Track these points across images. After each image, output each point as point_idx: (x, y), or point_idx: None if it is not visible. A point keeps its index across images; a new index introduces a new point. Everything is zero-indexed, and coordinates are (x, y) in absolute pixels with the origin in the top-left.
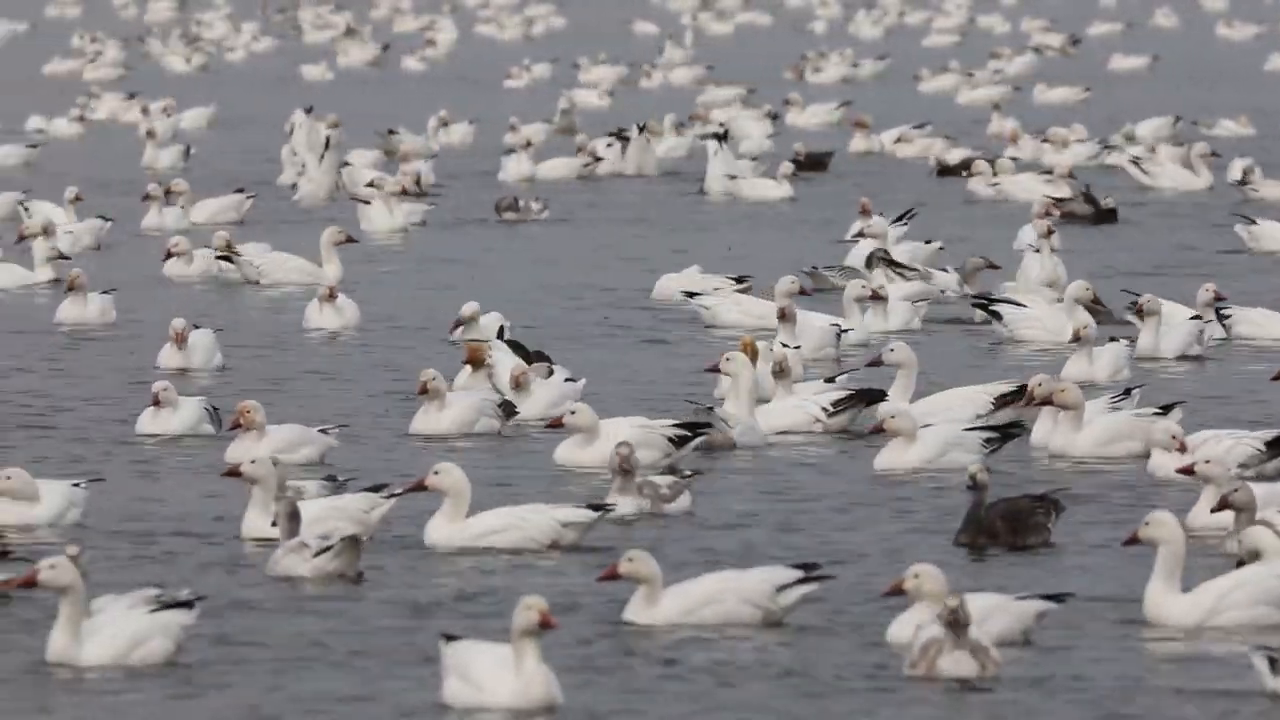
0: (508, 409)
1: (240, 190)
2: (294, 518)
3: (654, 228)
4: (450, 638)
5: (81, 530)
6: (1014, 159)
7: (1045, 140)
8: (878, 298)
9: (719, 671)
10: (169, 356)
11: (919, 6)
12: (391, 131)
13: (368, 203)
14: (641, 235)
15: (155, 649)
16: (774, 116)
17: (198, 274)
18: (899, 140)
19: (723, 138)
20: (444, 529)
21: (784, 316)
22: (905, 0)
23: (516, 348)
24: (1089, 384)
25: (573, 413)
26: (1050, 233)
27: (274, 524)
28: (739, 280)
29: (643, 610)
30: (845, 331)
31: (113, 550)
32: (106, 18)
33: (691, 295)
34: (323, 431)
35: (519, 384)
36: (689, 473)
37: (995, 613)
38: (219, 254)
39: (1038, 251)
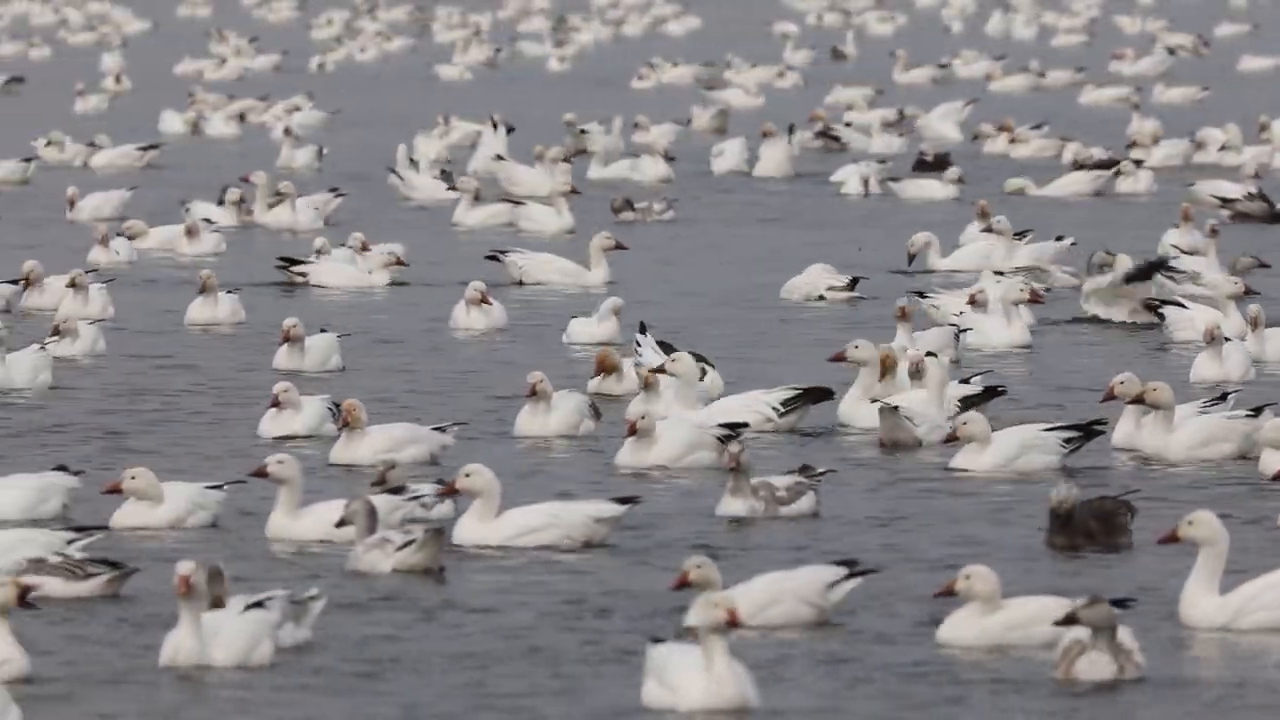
0: (596, 411)
1: (334, 189)
2: (372, 515)
3: (792, 227)
4: (656, 640)
5: (212, 532)
6: (1138, 161)
7: (1197, 143)
8: (1036, 300)
9: (907, 672)
10: (285, 358)
11: (1049, 6)
12: (582, 131)
13: (520, 203)
14: (785, 234)
15: (266, 650)
16: (902, 116)
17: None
18: (1014, 140)
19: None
20: (476, 529)
21: (902, 316)
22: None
23: (666, 349)
24: (1221, 383)
25: (643, 417)
26: (1214, 233)
27: (342, 523)
28: (853, 283)
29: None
30: (964, 332)
31: (246, 551)
32: (236, 17)
33: (922, 296)
34: (438, 430)
35: (648, 384)
36: (821, 471)
37: (1050, 615)
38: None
39: (1181, 255)
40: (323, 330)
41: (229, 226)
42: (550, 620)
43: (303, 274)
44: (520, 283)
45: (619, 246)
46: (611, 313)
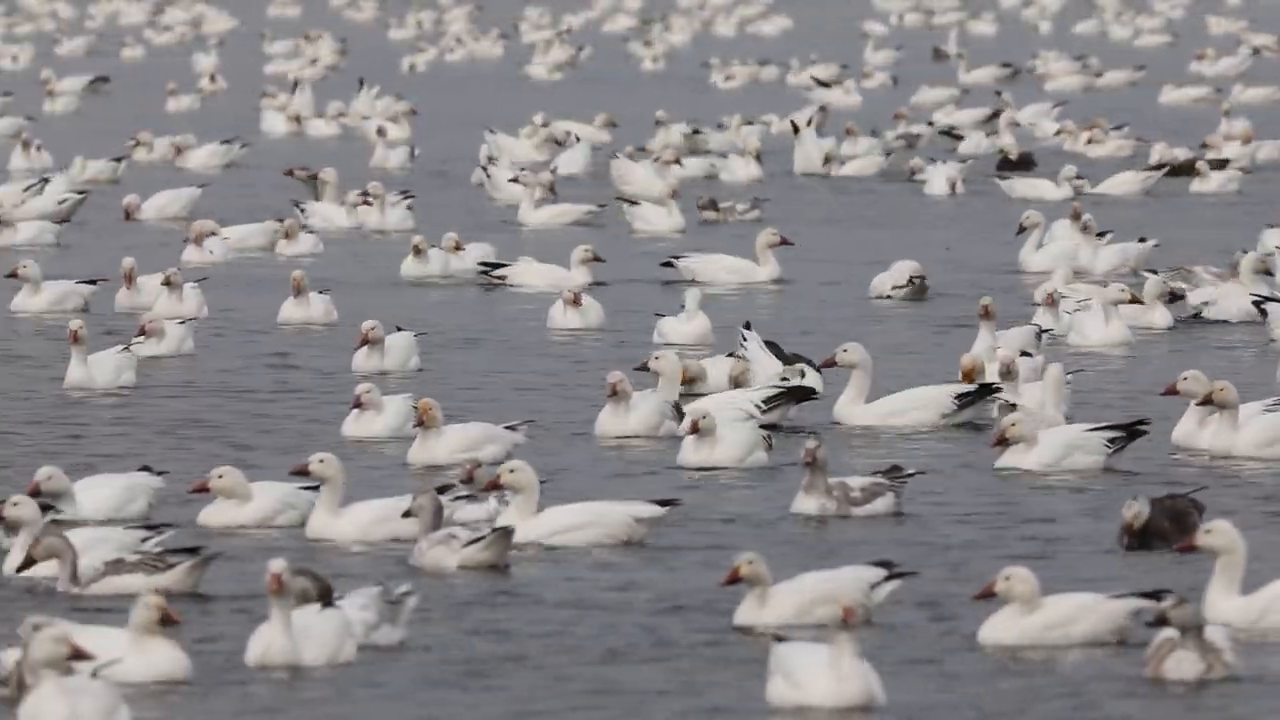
0: (679, 411)
1: (404, 193)
2: (438, 511)
3: (878, 227)
4: (779, 639)
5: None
6: (1218, 161)
7: None
8: (1136, 301)
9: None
10: (363, 359)
11: (1132, 7)
12: (696, 131)
13: (635, 203)
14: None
15: (350, 649)
16: (995, 114)
17: (438, 272)
18: (1090, 141)
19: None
20: (516, 526)
21: (986, 315)
22: (1123, 1)
23: (775, 349)
24: None
25: (704, 416)
26: None
27: (407, 514)
28: (914, 280)
29: (755, 612)
30: (1045, 332)
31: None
32: (325, 17)
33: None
34: (510, 428)
35: (738, 384)
36: (909, 473)
37: (1085, 613)
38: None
39: None
40: (399, 329)
41: (326, 227)
42: (642, 617)
43: (501, 277)
44: (693, 281)
45: (785, 242)
46: (699, 308)
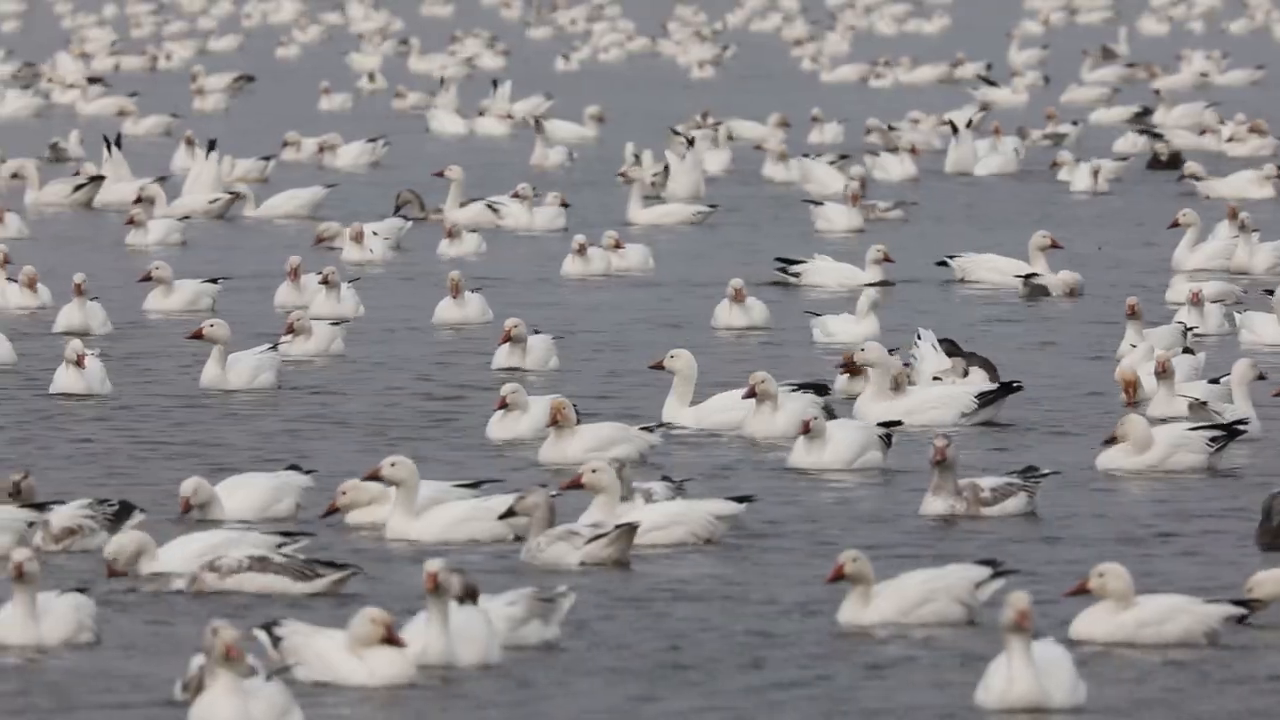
0: (830, 413)
1: (559, 198)
2: (552, 509)
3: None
4: None
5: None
6: None
7: None
8: None
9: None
10: (505, 357)
11: None
12: (891, 128)
13: (819, 203)
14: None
15: (496, 648)
16: (1147, 111)
17: (599, 270)
18: (1231, 139)
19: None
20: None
21: (1133, 314)
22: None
23: (952, 346)
24: None
25: (816, 418)
26: None
27: (507, 515)
28: (1028, 279)
29: (858, 611)
30: (1190, 330)
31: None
32: (479, 15)
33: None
34: (645, 430)
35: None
36: (1045, 472)
37: (1177, 614)
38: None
39: None
40: (535, 331)
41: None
42: (790, 615)
43: (796, 274)
44: (962, 280)
45: (1054, 246)
46: (870, 309)
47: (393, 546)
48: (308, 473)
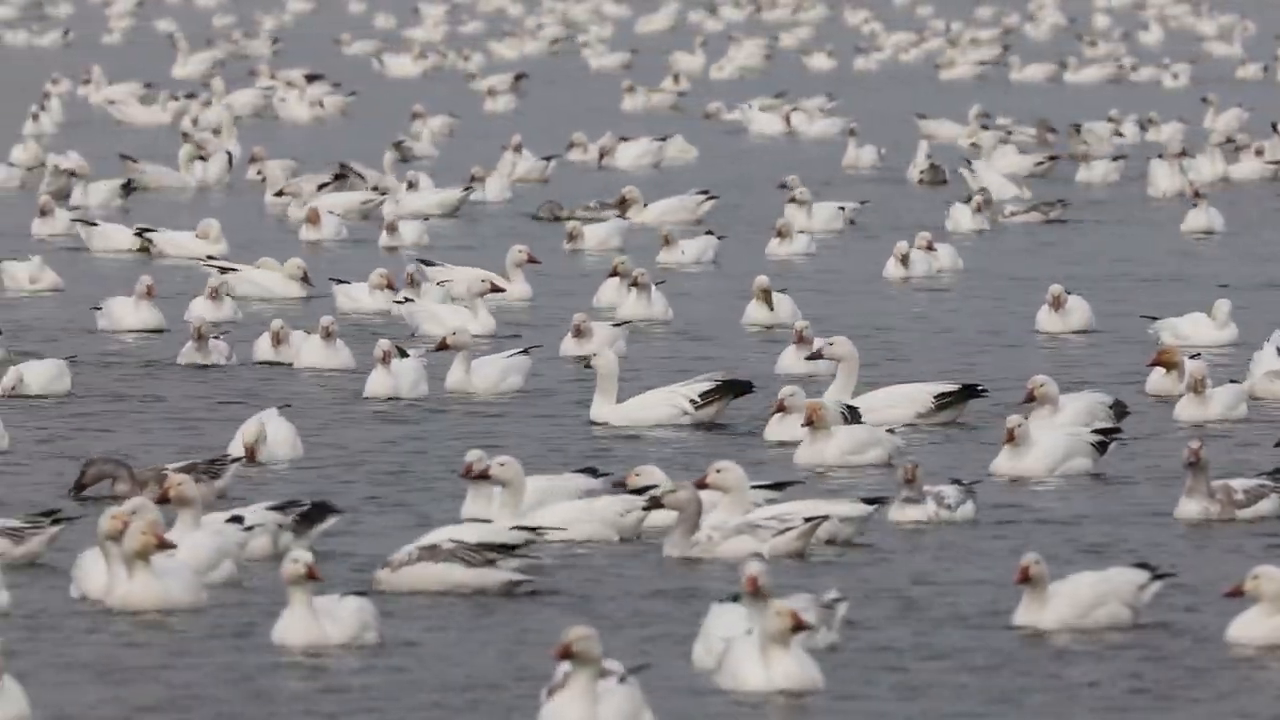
0: (1119, 410)
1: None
2: (699, 506)
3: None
4: None
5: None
6: None
7: None
8: None
9: None
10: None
11: None
12: (1076, 128)
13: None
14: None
15: None
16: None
17: (921, 273)
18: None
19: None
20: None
21: None
22: None
23: None
24: None
25: (1019, 425)
26: None
27: (653, 505)
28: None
29: (1034, 614)
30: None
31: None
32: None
33: None
34: (890, 432)
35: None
36: None
37: None
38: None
39: None
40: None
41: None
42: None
43: None
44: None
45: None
46: (1229, 317)
47: None
48: (602, 476)
